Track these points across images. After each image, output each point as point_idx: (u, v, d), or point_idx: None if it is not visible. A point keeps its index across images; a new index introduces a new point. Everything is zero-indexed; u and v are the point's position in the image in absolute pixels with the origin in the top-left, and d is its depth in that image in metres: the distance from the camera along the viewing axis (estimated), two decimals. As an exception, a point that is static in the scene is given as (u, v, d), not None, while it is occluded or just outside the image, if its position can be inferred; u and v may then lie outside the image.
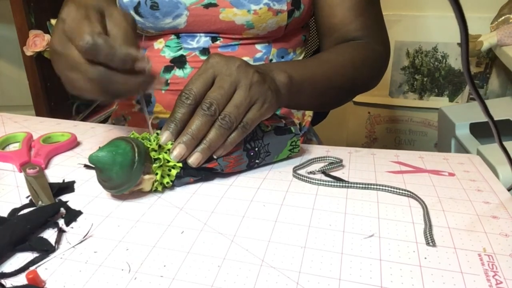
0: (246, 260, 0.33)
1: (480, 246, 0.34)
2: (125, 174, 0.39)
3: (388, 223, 0.37)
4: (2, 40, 1.86)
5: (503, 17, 1.33)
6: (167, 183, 0.43)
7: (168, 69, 0.66)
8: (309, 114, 0.78)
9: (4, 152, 0.52)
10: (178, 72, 0.65)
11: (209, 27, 0.63)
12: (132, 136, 0.43)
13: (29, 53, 1.34)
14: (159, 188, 0.43)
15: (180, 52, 0.65)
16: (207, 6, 0.61)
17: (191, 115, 0.43)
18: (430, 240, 0.34)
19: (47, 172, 0.48)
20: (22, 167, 0.48)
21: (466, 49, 0.30)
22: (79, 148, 0.55)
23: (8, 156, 0.51)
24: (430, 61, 1.60)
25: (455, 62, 1.58)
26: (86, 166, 0.49)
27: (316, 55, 0.61)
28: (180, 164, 0.43)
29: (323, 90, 0.57)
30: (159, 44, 0.67)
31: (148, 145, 0.42)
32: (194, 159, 0.43)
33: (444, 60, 1.59)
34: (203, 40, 0.65)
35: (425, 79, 1.63)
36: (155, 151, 0.42)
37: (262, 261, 0.33)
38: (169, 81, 0.66)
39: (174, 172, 0.43)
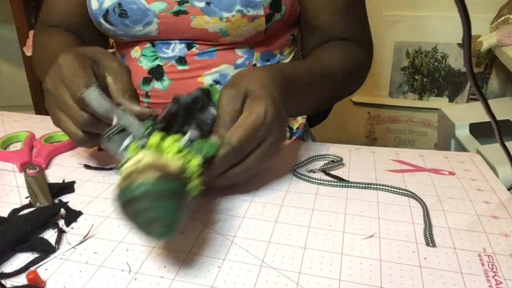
0: (246, 261, 0.33)
1: (480, 246, 0.34)
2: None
3: (388, 223, 0.38)
4: (2, 40, 1.86)
5: (502, 18, 1.34)
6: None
7: (146, 81, 0.64)
8: (302, 116, 0.76)
9: (5, 152, 0.52)
10: (156, 85, 0.64)
11: (182, 35, 0.61)
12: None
13: (29, 53, 1.35)
14: None
15: (157, 62, 0.63)
16: (177, 13, 0.58)
17: None
18: (430, 240, 0.34)
19: (48, 172, 0.48)
20: (23, 167, 0.48)
21: (469, 46, 0.30)
22: (80, 148, 0.55)
23: (9, 156, 0.51)
24: (430, 61, 1.60)
25: (455, 62, 1.58)
26: (86, 166, 0.49)
27: (306, 64, 0.60)
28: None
29: (313, 100, 0.58)
30: (135, 52, 0.65)
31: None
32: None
33: (444, 61, 1.59)
34: (178, 48, 0.62)
35: (425, 79, 1.63)
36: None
37: (262, 262, 0.33)
38: (149, 94, 0.65)
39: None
